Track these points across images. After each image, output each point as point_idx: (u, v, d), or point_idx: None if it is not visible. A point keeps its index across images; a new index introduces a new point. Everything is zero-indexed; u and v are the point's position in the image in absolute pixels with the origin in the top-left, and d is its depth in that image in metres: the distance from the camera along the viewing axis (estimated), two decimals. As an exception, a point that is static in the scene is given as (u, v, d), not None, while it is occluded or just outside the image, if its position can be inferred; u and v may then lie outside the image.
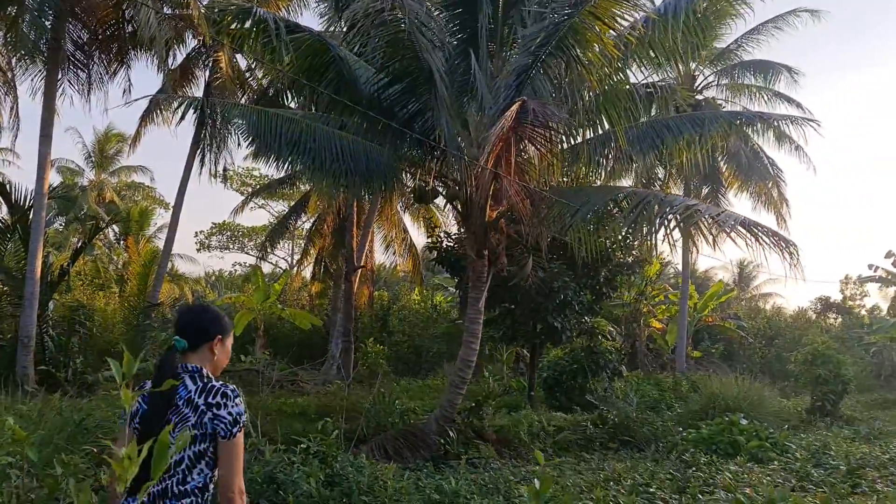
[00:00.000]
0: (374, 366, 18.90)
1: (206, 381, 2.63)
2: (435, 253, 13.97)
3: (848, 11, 71.29)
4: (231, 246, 47.80)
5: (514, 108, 7.15)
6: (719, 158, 20.41)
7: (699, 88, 21.35)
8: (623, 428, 12.33)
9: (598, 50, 7.98)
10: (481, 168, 8.63)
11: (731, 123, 10.70)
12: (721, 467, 6.47)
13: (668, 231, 7.83)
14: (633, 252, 13.96)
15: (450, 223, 15.81)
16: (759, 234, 6.95)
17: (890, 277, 22.64)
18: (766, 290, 44.10)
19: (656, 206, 7.70)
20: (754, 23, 20.27)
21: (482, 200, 9.90)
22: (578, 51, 8.07)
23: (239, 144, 18.75)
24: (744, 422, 10.38)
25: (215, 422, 2.54)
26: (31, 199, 15.34)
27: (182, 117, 17.62)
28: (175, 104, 14.83)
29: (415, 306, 26.72)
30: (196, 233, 47.15)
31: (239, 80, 20.08)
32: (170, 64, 17.80)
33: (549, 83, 8.73)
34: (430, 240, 14.03)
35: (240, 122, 10.07)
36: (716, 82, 21.11)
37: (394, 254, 22.68)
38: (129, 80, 16.80)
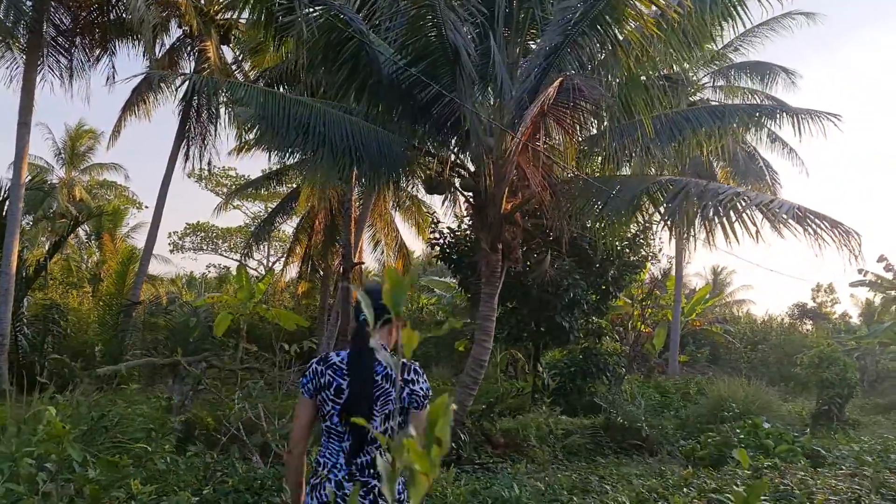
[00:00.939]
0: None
1: (395, 357, 2.50)
2: (437, 249, 13.47)
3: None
4: (205, 247, 46.78)
5: (556, 85, 6.68)
6: (713, 160, 20.21)
7: (692, 91, 21.14)
8: (632, 431, 11.94)
9: (635, 27, 7.49)
10: (508, 154, 8.13)
11: (750, 115, 10.37)
12: (784, 473, 6.04)
13: (707, 222, 7.40)
14: (642, 250, 13.58)
15: (449, 219, 15.27)
16: (818, 224, 6.54)
17: (881, 282, 22.64)
18: (739, 297, 44.42)
19: (696, 196, 7.27)
20: (748, 24, 20.12)
21: (501, 191, 9.43)
22: (615, 29, 7.62)
23: (237, 133, 18.01)
24: (766, 425, 10.02)
25: (412, 396, 2.72)
26: (5, 191, 14.53)
27: (184, 97, 16.81)
28: (178, 81, 14.06)
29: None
30: (169, 233, 45.98)
31: (225, 72, 19.39)
32: (156, 52, 17.07)
33: (578, 67, 8.27)
34: (432, 235, 13.52)
35: (244, 104, 9.43)
36: (711, 84, 20.94)
37: (382, 253, 22.11)
38: (114, 66, 16.05)
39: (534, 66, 8.49)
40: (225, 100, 14.83)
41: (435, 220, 13.32)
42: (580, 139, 8.42)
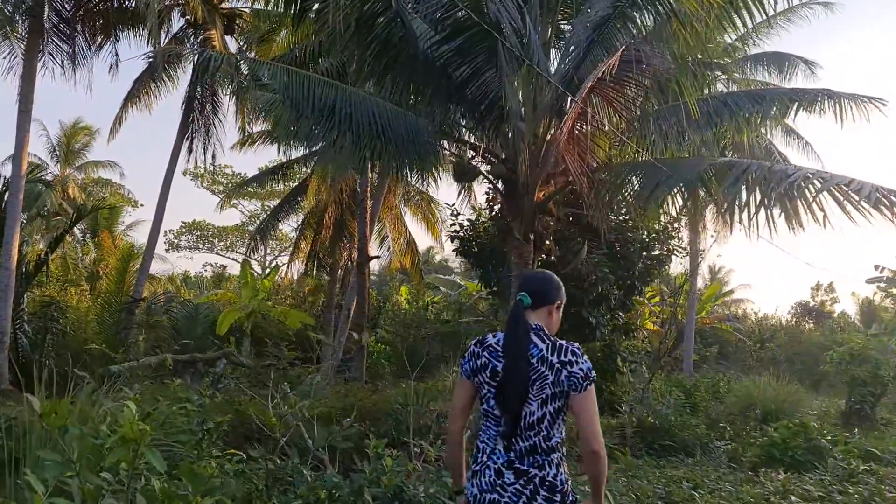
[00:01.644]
0: (376, 366, 17.82)
1: (552, 339, 2.68)
2: (456, 242, 12.94)
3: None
4: (201, 246, 46.20)
5: (617, 54, 6.16)
6: (728, 154, 19.74)
7: (707, 82, 20.65)
8: (661, 432, 11.43)
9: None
10: (546, 137, 7.62)
11: (792, 100, 9.88)
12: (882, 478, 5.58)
13: (767, 209, 6.88)
14: (669, 244, 13.09)
15: (465, 212, 14.75)
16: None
17: (897, 278, 22.17)
18: (737, 296, 44.07)
19: (762, 179, 6.76)
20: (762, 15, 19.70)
21: (536, 178, 8.92)
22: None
23: (240, 125, 17.41)
24: (814, 426, 9.53)
25: (571, 378, 2.60)
26: (4, 182, 13.95)
27: (194, 80, 16.17)
28: (195, 57, 13.45)
29: (405, 305, 25.65)
30: (165, 231, 45.30)
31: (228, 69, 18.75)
32: (160, 41, 16.48)
33: (625, 41, 7.74)
34: (452, 228, 13.02)
35: (263, 86, 8.90)
36: (726, 76, 20.45)
37: (388, 249, 21.58)
38: (117, 53, 15.45)
39: (577, 41, 7.96)
40: (234, 87, 14.26)
41: (455, 213, 12.82)
42: (632, 120, 7.89)
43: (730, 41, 19.37)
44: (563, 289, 2.91)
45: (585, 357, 2.67)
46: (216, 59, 8.39)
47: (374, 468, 3.73)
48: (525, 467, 2.59)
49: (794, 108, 9.88)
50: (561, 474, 2.62)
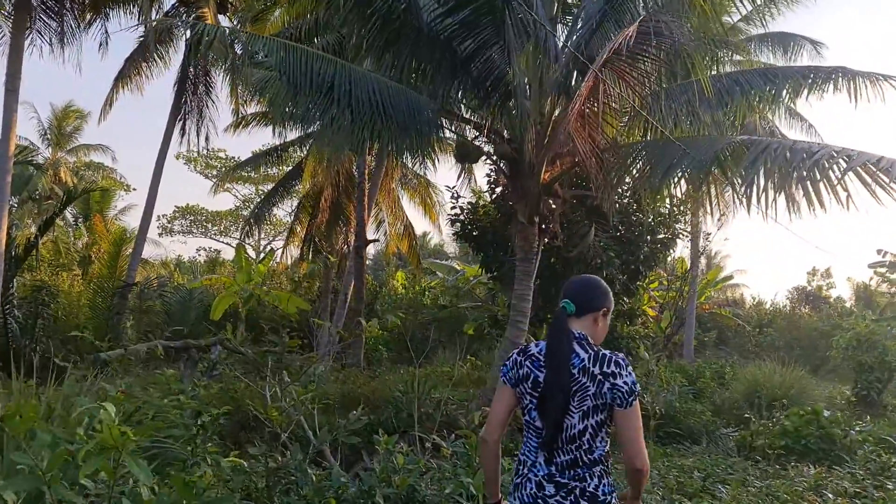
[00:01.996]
0: (374, 352, 17.53)
1: (595, 349, 2.56)
2: (457, 225, 12.62)
3: None
4: (195, 230, 45.76)
5: (635, 25, 5.82)
6: (733, 136, 19.39)
7: (719, 60, 20.27)
8: (667, 418, 11.19)
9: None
10: (553, 115, 7.29)
11: (805, 77, 9.55)
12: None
13: (788, 190, 6.59)
14: (674, 227, 12.80)
15: (466, 195, 14.41)
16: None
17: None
18: (733, 282, 43.87)
19: (783, 158, 6.46)
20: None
21: (542, 158, 8.59)
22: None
23: (234, 107, 16.97)
24: (826, 413, 9.28)
25: (613, 391, 2.47)
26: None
27: (192, 49, 15.66)
28: (188, 31, 13.03)
29: (401, 290, 25.36)
30: (158, 216, 44.82)
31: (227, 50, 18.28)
32: (151, 19, 16.01)
33: (639, 14, 7.38)
34: (453, 211, 12.69)
35: (260, 63, 8.53)
36: (728, 58, 20.07)
37: (385, 234, 21.24)
38: (107, 31, 15.00)
39: (588, 15, 7.62)
40: (229, 65, 13.85)
41: (455, 195, 12.48)
42: (645, 97, 7.54)
43: (733, 21, 19.02)
44: (611, 295, 2.78)
45: (630, 369, 2.54)
46: (210, 32, 8.00)
47: (385, 467, 3.44)
48: (566, 480, 2.51)
49: (808, 86, 9.56)
50: (604, 486, 2.52)
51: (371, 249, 32.31)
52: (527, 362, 2.63)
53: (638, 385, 2.55)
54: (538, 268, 10.08)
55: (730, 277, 30.97)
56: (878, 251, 22.56)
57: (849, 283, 51.21)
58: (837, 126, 65.35)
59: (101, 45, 15.26)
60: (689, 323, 21.90)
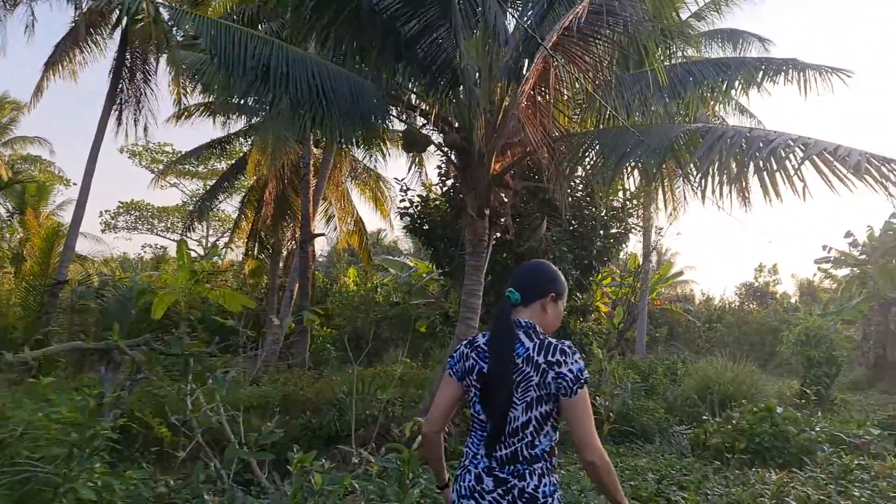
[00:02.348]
0: (321, 351, 16.96)
1: (541, 337, 2.46)
2: (407, 219, 12.16)
3: None
4: (140, 226, 44.31)
5: (585, 3, 5.45)
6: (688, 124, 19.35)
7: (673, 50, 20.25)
8: (619, 416, 10.96)
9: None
10: (504, 102, 6.90)
11: (757, 69, 9.39)
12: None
13: (743, 179, 6.34)
14: (628, 221, 12.56)
15: (417, 188, 13.97)
16: (892, 169, 5.54)
17: (844, 258, 22.35)
18: (683, 278, 44.40)
19: (738, 146, 6.19)
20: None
21: (492, 147, 8.21)
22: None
23: (175, 97, 16.14)
24: (779, 409, 9.12)
25: (558, 380, 2.36)
26: None
27: (126, 40, 14.86)
28: (116, 8, 12.25)
29: (353, 287, 24.79)
30: (101, 212, 43.26)
31: (162, 28, 17.51)
32: (82, 4, 15.17)
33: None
34: (402, 204, 12.23)
35: (190, 45, 7.95)
36: (681, 50, 20.05)
37: (335, 229, 20.68)
38: (33, 13, 14.11)
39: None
40: (166, 50, 13.14)
41: (404, 188, 12.02)
42: (598, 83, 7.19)
43: (685, 18, 18.99)
44: (561, 280, 2.65)
45: (578, 357, 2.42)
46: (131, 5, 7.39)
47: (298, 490, 2.98)
48: (504, 475, 2.40)
49: (760, 76, 9.41)
50: (544, 486, 2.39)
51: (324, 246, 31.55)
52: (472, 354, 2.54)
53: (586, 373, 2.41)
54: (489, 262, 9.72)
55: (680, 273, 31.21)
56: (824, 247, 22.87)
57: (793, 280, 52.49)
58: (786, 120, 66.70)
59: (27, 27, 14.36)
60: (641, 319, 21.90)
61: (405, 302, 21.97)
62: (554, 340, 2.45)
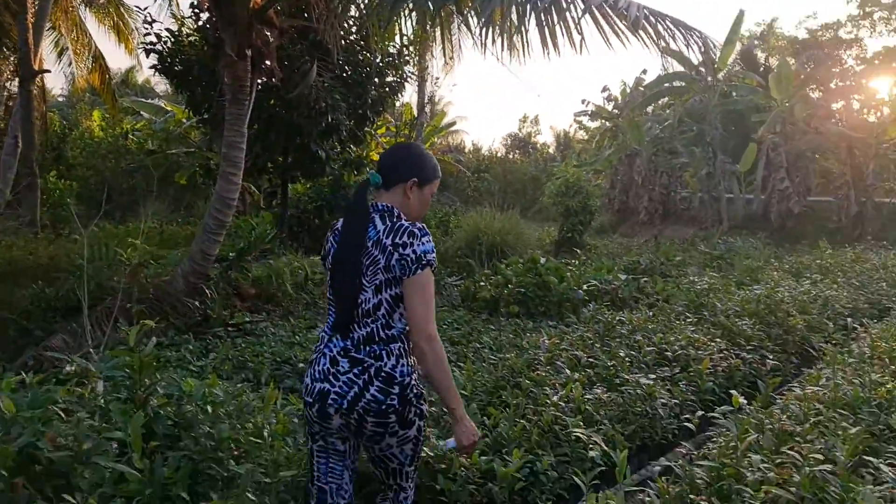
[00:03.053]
0: (58, 207, 14.87)
1: (395, 220, 2.39)
2: (155, 57, 10.48)
3: None
4: None
5: None
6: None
7: None
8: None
9: None
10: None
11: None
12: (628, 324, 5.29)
13: (526, 27, 6.01)
14: (404, 70, 11.92)
15: (167, 21, 12.08)
16: (667, 27, 5.48)
17: (599, 112, 23.84)
18: (454, 128, 45.59)
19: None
20: None
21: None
22: None
23: None
24: (542, 260, 9.54)
25: (401, 262, 2.31)
26: None
27: None
28: None
29: (99, 133, 21.96)
30: None
31: None
32: None
33: None
34: (146, 38, 10.43)
35: None
36: None
37: (70, 65, 17.74)
38: None
39: None
40: None
41: (149, 19, 10.22)
42: None
43: None
44: (429, 165, 2.52)
45: (427, 239, 2.34)
46: None
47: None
48: (361, 356, 2.36)
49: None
50: (402, 366, 2.36)
51: (58, 84, 27.36)
52: (331, 237, 2.52)
53: (431, 256, 2.32)
54: (254, 111, 8.73)
55: (453, 124, 31.68)
56: (583, 101, 24.19)
57: (552, 131, 56.14)
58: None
59: None
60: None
61: (162, 151, 19.95)
62: (407, 223, 2.36)
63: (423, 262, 2.29)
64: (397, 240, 2.32)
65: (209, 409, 2.78)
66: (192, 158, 18.82)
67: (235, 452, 2.69)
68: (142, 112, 23.85)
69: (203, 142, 18.15)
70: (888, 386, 3.39)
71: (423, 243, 2.31)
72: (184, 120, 19.90)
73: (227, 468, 2.58)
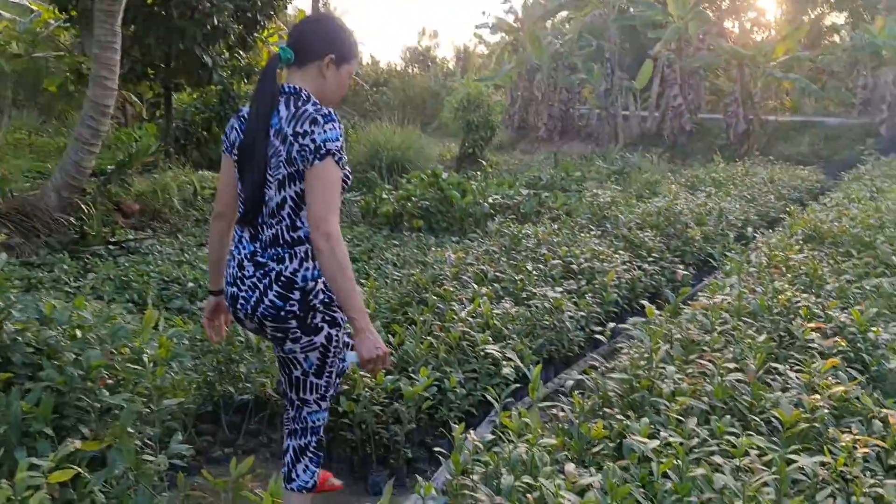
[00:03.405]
0: None
1: (299, 105, 2.11)
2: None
3: None
4: None
5: None
6: None
7: None
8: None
9: None
10: None
11: None
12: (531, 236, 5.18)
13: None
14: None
15: None
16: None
17: (499, 24, 23.31)
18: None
19: None
20: None
21: None
22: None
23: None
24: (444, 175, 9.32)
25: (301, 153, 2.06)
26: None
27: None
28: None
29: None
30: None
31: None
32: None
33: None
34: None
35: None
36: None
37: None
38: None
39: None
40: None
41: None
42: None
43: None
44: (346, 40, 2.22)
45: (331, 126, 2.06)
46: None
47: None
48: (264, 260, 2.18)
49: None
50: (305, 270, 2.14)
51: None
52: (236, 124, 2.24)
53: (333, 144, 2.04)
54: (129, 7, 7.89)
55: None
56: (484, 13, 23.58)
57: (452, 45, 55.06)
58: None
59: None
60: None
61: (29, 54, 18.19)
62: (311, 108, 2.09)
63: (323, 152, 2.03)
64: (298, 128, 2.07)
65: (78, 333, 2.46)
66: (62, 63, 17.23)
67: (110, 381, 2.39)
68: (2, 12, 21.50)
69: (75, 45, 16.59)
70: (788, 294, 3.43)
71: (324, 131, 2.04)
72: (51, 20, 18.10)
73: (99, 399, 2.28)
